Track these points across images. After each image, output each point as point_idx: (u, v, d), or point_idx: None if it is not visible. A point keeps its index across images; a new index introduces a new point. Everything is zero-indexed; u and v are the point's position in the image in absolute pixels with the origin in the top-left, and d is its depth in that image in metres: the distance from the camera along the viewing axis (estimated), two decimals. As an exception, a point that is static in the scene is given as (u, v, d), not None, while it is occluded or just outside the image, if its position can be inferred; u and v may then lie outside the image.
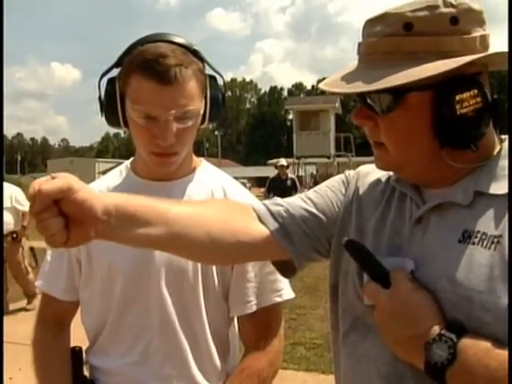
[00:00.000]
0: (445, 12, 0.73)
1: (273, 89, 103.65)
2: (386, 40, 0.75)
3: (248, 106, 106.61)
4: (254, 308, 1.15)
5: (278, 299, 1.17)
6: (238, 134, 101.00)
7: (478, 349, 0.66)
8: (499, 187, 0.74)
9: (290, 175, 9.01)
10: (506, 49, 0.75)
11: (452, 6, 0.73)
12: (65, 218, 0.71)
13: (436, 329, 0.70)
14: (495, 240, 0.71)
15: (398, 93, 0.74)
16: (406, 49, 0.74)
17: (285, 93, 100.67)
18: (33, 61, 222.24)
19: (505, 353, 0.64)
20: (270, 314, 1.17)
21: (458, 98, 0.71)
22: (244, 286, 1.15)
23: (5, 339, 1.57)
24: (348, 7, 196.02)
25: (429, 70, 0.71)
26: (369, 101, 0.78)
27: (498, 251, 0.70)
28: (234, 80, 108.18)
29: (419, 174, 0.82)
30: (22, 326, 1.20)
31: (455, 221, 0.76)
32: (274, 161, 9.67)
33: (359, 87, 0.75)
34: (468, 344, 0.67)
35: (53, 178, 0.71)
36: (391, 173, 0.89)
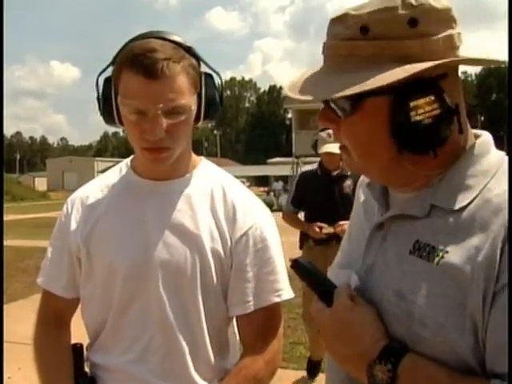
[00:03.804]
0: (402, 14, 0.69)
1: (272, 88, 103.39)
2: (344, 43, 0.72)
3: (247, 104, 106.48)
4: (252, 308, 1.14)
5: (277, 299, 1.16)
6: (237, 133, 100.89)
7: (416, 375, 0.68)
8: (455, 201, 0.72)
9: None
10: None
11: (412, 6, 0.69)
12: None
13: (377, 348, 0.70)
14: (441, 254, 0.70)
15: (354, 99, 0.71)
16: (362, 53, 0.71)
17: (284, 92, 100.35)
18: (32, 59, 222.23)
19: (442, 379, 0.66)
20: (268, 314, 1.16)
21: (412, 104, 0.68)
22: (243, 286, 1.14)
23: (4, 338, 1.56)
24: (346, 6, 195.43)
25: (375, 81, 0.67)
26: (331, 104, 0.76)
27: (440, 266, 0.69)
28: (233, 79, 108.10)
29: (384, 178, 0.80)
30: (20, 326, 1.19)
31: (410, 232, 0.75)
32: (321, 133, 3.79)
33: (308, 93, 0.75)
34: (407, 369, 0.68)
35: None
36: None
